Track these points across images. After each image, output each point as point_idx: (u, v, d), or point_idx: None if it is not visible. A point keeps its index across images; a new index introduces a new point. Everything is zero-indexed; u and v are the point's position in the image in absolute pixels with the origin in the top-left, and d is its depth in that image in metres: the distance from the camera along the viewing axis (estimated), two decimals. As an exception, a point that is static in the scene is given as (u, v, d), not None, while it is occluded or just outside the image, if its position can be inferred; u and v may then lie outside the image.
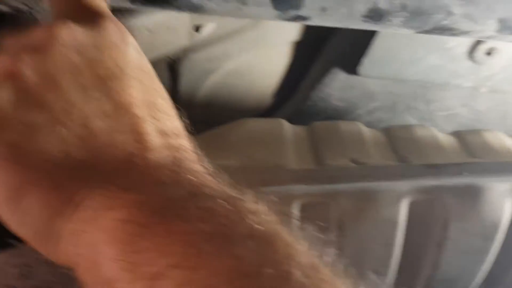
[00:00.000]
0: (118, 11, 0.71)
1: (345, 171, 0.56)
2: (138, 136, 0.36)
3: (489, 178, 0.57)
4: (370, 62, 0.99)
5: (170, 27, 0.83)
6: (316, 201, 0.55)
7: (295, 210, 0.55)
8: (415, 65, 0.98)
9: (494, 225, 0.56)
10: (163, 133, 0.38)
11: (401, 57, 0.98)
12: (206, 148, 0.65)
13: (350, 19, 0.66)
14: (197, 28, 0.88)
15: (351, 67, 1.03)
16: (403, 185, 0.55)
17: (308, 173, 0.55)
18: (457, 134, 0.79)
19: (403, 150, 0.70)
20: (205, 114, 1.20)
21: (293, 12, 0.64)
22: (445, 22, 0.66)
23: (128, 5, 0.63)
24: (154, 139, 0.37)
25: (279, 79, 1.18)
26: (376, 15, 0.65)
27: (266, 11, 0.63)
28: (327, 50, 1.07)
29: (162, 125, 0.38)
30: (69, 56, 0.37)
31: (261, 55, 1.11)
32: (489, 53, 0.96)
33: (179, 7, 0.62)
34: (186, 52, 1.03)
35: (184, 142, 0.39)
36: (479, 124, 1.15)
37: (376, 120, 1.17)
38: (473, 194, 0.56)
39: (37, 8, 0.58)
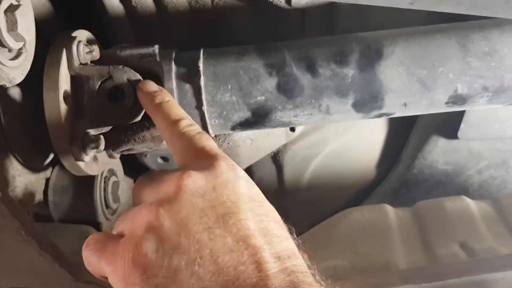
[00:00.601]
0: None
1: (452, 267, 0.57)
2: (259, 265, 0.40)
3: None
4: (468, 126, 0.99)
5: (269, 133, 0.91)
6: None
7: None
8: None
9: None
10: (279, 258, 0.42)
11: (498, 117, 0.96)
12: (315, 245, 0.69)
13: (434, 107, 0.68)
14: (293, 129, 0.95)
15: (451, 132, 1.03)
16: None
17: (415, 272, 0.57)
18: None
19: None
20: (311, 196, 1.25)
21: (376, 112, 0.68)
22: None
23: (229, 131, 0.72)
24: (272, 265, 0.41)
25: (379, 152, 1.20)
26: (458, 100, 0.67)
27: (350, 116, 0.68)
28: (424, 119, 1.08)
29: (277, 249, 0.43)
30: (194, 201, 0.44)
31: (357, 134, 1.15)
32: None
33: (273, 126, 0.70)
34: (286, 144, 1.10)
35: (297, 262, 0.43)
36: None
37: (489, 177, 1.13)
38: None
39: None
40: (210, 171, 0.46)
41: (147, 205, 0.45)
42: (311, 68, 0.66)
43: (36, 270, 0.64)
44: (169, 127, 0.53)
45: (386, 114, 0.69)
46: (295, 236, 0.47)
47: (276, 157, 1.14)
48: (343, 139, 1.15)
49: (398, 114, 0.70)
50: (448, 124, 1.01)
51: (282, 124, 0.69)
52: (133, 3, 0.78)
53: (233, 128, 0.70)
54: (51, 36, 0.65)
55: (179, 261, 0.41)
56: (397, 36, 0.67)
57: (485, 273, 0.55)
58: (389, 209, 0.78)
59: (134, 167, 0.99)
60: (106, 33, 0.81)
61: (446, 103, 0.67)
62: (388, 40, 0.66)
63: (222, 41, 0.83)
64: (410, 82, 0.65)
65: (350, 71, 0.65)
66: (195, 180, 0.45)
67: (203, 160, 0.48)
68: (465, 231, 0.69)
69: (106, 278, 0.46)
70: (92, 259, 0.47)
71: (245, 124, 0.69)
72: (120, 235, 0.46)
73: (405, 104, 0.67)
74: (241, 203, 0.45)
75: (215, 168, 0.46)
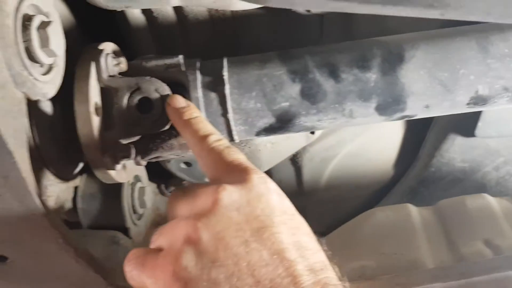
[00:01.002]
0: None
1: (478, 265, 0.58)
2: (294, 278, 0.42)
3: None
4: (486, 124, 1.00)
5: (289, 137, 0.92)
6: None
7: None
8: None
9: None
10: (312, 270, 0.43)
11: (516, 115, 0.97)
12: (341, 246, 0.70)
13: (455, 108, 0.70)
14: (313, 132, 0.96)
15: (468, 130, 1.04)
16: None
17: (443, 271, 0.58)
18: None
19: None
20: (330, 196, 1.27)
21: (398, 115, 0.69)
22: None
23: (254, 137, 0.74)
24: (306, 278, 0.42)
25: (396, 151, 1.21)
26: (479, 101, 0.68)
27: (373, 119, 0.69)
28: (441, 118, 1.09)
29: (310, 262, 0.44)
30: (230, 215, 0.45)
31: (374, 134, 1.16)
32: None
33: (296, 131, 0.71)
34: (305, 146, 1.11)
35: (329, 274, 0.45)
36: None
37: (506, 174, 1.14)
38: None
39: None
40: (243, 185, 0.48)
41: (184, 219, 0.47)
42: (334, 74, 0.67)
43: (72, 276, 0.67)
44: (199, 143, 0.55)
45: (409, 116, 0.70)
46: (325, 247, 0.48)
47: (295, 159, 1.15)
48: (361, 139, 1.16)
49: (420, 116, 0.71)
50: (465, 122, 1.02)
51: (306, 129, 0.71)
52: (154, 14, 0.80)
53: (258, 134, 0.71)
54: (74, 50, 0.67)
55: (218, 274, 0.42)
56: (418, 40, 0.68)
57: (511, 270, 0.56)
58: (412, 208, 0.79)
59: (156, 172, 1.01)
60: (128, 45, 0.82)
61: (467, 104, 0.69)
62: (409, 44, 0.68)
63: (242, 49, 0.84)
64: (432, 84, 0.67)
65: (372, 76, 0.67)
66: (230, 194, 0.47)
67: (234, 174, 0.50)
68: (489, 228, 0.70)
69: None
70: (134, 273, 0.48)
71: (270, 130, 0.71)
72: (159, 249, 0.48)
73: (427, 106, 0.68)
74: (274, 216, 0.46)
75: (247, 182, 0.48)
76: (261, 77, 0.68)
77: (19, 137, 0.50)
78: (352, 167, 1.21)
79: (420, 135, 1.17)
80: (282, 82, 0.68)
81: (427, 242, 0.69)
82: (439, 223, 0.75)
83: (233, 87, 0.69)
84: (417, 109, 0.69)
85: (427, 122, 1.14)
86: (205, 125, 0.57)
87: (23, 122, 0.52)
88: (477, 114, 0.98)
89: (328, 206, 1.29)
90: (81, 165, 0.80)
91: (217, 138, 0.54)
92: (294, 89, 0.67)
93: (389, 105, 0.68)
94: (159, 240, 0.48)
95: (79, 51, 0.67)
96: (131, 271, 0.48)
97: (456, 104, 0.68)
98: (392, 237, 0.72)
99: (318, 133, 1.02)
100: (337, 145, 1.14)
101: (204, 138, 0.54)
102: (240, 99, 0.69)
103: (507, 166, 1.12)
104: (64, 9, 0.75)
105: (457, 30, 0.69)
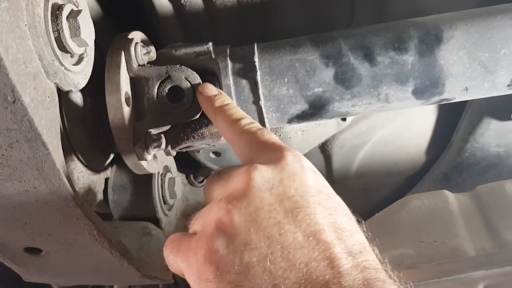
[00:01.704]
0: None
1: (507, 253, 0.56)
2: (331, 262, 0.40)
3: None
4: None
5: (320, 124, 0.90)
6: (498, 282, 0.56)
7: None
8: None
9: None
10: (350, 253, 0.41)
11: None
12: (377, 234, 0.69)
13: (495, 90, 0.67)
14: (344, 118, 0.94)
15: (504, 113, 1.00)
16: None
17: (486, 258, 0.56)
18: None
19: None
20: (362, 183, 1.24)
21: (436, 98, 0.67)
22: None
23: (286, 124, 0.72)
24: (344, 262, 0.40)
25: (428, 137, 1.18)
26: (521, 81, 0.65)
27: (410, 103, 0.67)
28: (475, 102, 1.06)
29: (348, 244, 0.42)
30: (262, 196, 0.44)
31: (406, 120, 1.13)
32: None
33: (330, 117, 0.70)
34: (334, 133, 1.09)
35: (369, 257, 0.42)
36: None
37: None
38: None
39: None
40: (276, 164, 0.46)
41: (216, 202, 0.46)
42: (369, 57, 0.65)
43: (106, 267, 0.66)
44: (231, 128, 0.54)
45: (447, 100, 0.68)
46: (365, 228, 0.46)
47: (324, 147, 1.13)
48: (392, 125, 1.13)
49: (459, 99, 0.68)
50: (501, 106, 0.98)
51: (340, 115, 0.69)
52: (181, 1, 0.78)
53: (290, 121, 0.70)
54: (102, 39, 0.66)
55: (251, 257, 0.41)
56: (456, 20, 0.65)
57: None
58: (449, 194, 0.76)
59: (185, 162, 1.01)
60: (156, 34, 0.81)
61: (509, 85, 0.66)
62: (447, 24, 0.65)
63: (272, 34, 0.83)
64: (472, 65, 0.64)
65: (409, 58, 0.64)
66: (262, 174, 0.45)
67: (268, 153, 0.48)
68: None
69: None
70: (170, 258, 0.48)
71: (302, 117, 0.69)
72: (194, 234, 0.47)
73: (466, 89, 0.66)
74: (309, 196, 0.44)
75: (281, 161, 0.46)
76: (293, 62, 0.67)
77: (52, 128, 0.49)
78: (383, 154, 1.18)
79: (453, 120, 1.14)
80: (315, 67, 0.66)
81: (467, 229, 0.67)
82: (478, 209, 0.72)
83: (264, 74, 0.67)
84: (455, 92, 0.66)
85: (460, 106, 1.11)
86: (236, 110, 0.56)
87: (56, 113, 0.51)
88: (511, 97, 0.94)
89: (359, 194, 1.27)
90: (111, 156, 0.80)
91: (249, 121, 0.53)
92: (327, 73, 0.65)
93: (427, 88, 0.65)
94: (195, 225, 0.47)
95: (108, 41, 0.66)
96: (168, 255, 0.48)
97: (496, 86, 0.65)
98: (430, 224, 0.69)
99: (349, 120, 1.00)
100: (368, 131, 1.12)
101: (236, 121, 0.53)
102: (272, 86, 0.67)
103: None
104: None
105: (497, 9, 0.66)
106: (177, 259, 0.47)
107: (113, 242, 0.61)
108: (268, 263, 0.41)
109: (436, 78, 0.65)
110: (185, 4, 0.79)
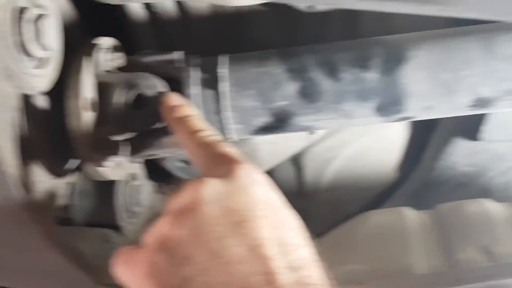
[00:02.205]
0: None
1: (472, 272, 0.57)
2: (270, 277, 0.40)
3: None
4: (490, 128, 0.97)
5: (289, 137, 0.91)
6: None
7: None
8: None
9: None
10: (293, 268, 0.41)
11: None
12: (334, 249, 0.69)
13: (457, 111, 0.68)
14: (312, 132, 0.95)
15: (473, 134, 1.02)
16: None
17: (436, 277, 0.56)
18: None
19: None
20: (331, 198, 1.25)
21: (398, 116, 0.68)
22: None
23: (250, 137, 0.72)
24: (285, 277, 0.40)
25: (399, 154, 1.19)
26: (482, 103, 0.66)
27: (372, 119, 0.68)
28: (445, 121, 1.07)
29: (292, 258, 0.42)
30: (208, 209, 0.43)
31: (377, 136, 1.14)
32: None
33: (294, 131, 0.70)
34: (309, 147, 1.10)
35: (312, 272, 0.42)
36: None
37: (509, 180, 1.12)
38: None
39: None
40: (226, 177, 0.46)
41: (163, 216, 0.46)
42: (333, 73, 0.65)
43: (60, 273, 0.66)
44: (190, 139, 0.54)
45: (408, 118, 0.69)
46: (314, 243, 0.46)
47: (296, 160, 1.14)
48: (364, 141, 1.14)
49: (420, 117, 0.69)
50: (470, 126, 1.00)
51: (303, 129, 0.69)
52: (154, 9, 0.79)
53: (255, 133, 0.70)
54: (76, 45, 0.66)
55: (191, 271, 0.41)
56: (420, 40, 0.66)
57: (507, 278, 0.54)
58: (408, 212, 0.77)
59: (156, 170, 1.00)
60: (129, 40, 0.81)
61: (469, 106, 0.67)
62: (411, 43, 0.66)
63: (244, 46, 0.83)
64: (433, 85, 0.65)
65: (372, 75, 0.65)
66: (210, 187, 0.45)
67: (221, 166, 0.48)
68: (486, 234, 0.68)
69: None
70: (118, 270, 0.48)
71: (267, 129, 0.69)
72: (141, 247, 0.47)
73: (427, 108, 0.67)
74: (257, 210, 0.44)
75: (232, 174, 0.46)
76: (259, 75, 0.67)
77: (5, 131, 0.49)
78: (354, 169, 1.19)
79: (425, 138, 1.15)
80: (280, 81, 0.66)
81: (422, 247, 0.67)
82: (436, 227, 0.73)
83: (231, 85, 0.67)
84: (417, 111, 0.67)
85: (431, 124, 1.12)
86: (197, 122, 0.56)
87: (13, 116, 0.51)
88: (481, 117, 0.96)
89: (329, 208, 1.27)
90: (77, 161, 0.79)
91: (208, 134, 0.53)
92: (292, 88, 0.66)
93: (389, 105, 0.66)
94: (144, 238, 0.47)
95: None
96: (116, 268, 0.48)
97: (457, 106, 0.67)
98: (386, 241, 0.70)
99: (319, 133, 1.01)
100: (339, 146, 1.12)
101: (194, 133, 0.53)
102: (237, 97, 0.67)
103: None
104: (65, 4, 0.74)
105: (460, 30, 0.67)
106: (125, 272, 0.47)
107: (67, 248, 0.61)
108: (208, 278, 0.40)
109: (397, 96, 0.65)
110: (158, 12, 0.79)
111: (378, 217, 0.76)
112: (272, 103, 0.66)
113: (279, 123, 0.68)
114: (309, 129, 0.70)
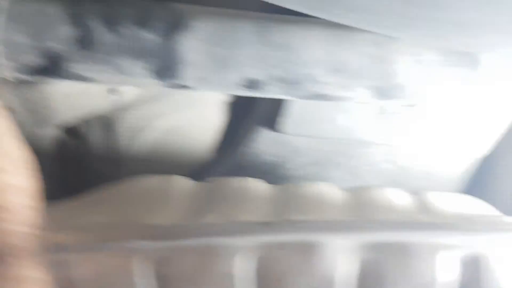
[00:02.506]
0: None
1: (183, 228, 0.61)
2: None
3: (322, 235, 0.61)
4: (288, 121, 1.05)
5: (86, 92, 0.89)
6: (166, 256, 0.60)
7: (137, 266, 0.59)
8: (329, 123, 1.04)
9: (328, 280, 0.60)
10: None
11: (315, 117, 1.03)
12: (96, 203, 0.69)
13: (229, 87, 0.72)
14: (111, 91, 0.94)
15: (272, 124, 1.09)
16: (238, 241, 0.59)
17: (155, 229, 0.60)
18: (351, 191, 0.84)
19: (284, 207, 0.74)
20: (146, 169, 1.25)
21: (172, 81, 0.70)
22: (315, 89, 0.72)
23: (25, 77, 0.70)
24: None
25: (216, 136, 1.23)
26: (251, 84, 0.71)
27: (146, 80, 0.69)
28: (254, 109, 1.13)
29: None
30: None
31: (196, 114, 1.17)
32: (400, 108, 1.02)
33: (67, 78, 0.69)
34: (120, 111, 1.09)
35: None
36: (405, 179, 1.20)
37: (306, 174, 1.21)
38: (306, 250, 0.60)
39: None
40: None
41: None
42: (112, 25, 0.66)
43: None
44: None
45: (185, 86, 0.71)
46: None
47: (107, 123, 1.12)
48: (181, 116, 1.16)
49: (197, 88, 0.72)
50: (270, 116, 1.06)
51: (77, 78, 0.69)
52: None
53: (28, 72, 0.68)
54: None
55: None
56: (205, 13, 0.69)
57: (214, 236, 0.59)
58: (180, 180, 0.81)
59: None
60: None
61: (240, 85, 0.71)
62: (195, 14, 0.68)
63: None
64: (208, 57, 0.68)
65: (151, 36, 0.66)
66: None
67: None
68: (237, 207, 0.72)
69: None
70: None
71: (39, 71, 0.67)
72: None
73: (201, 79, 0.70)
74: None
75: None
76: (39, 12, 0.65)
77: None
78: (169, 143, 1.21)
79: (239, 123, 1.20)
80: (55, 22, 0.65)
81: (174, 211, 0.70)
82: (201, 195, 0.77)
83: (8, 19, 0.64)
84: (192, 80, 0.70)
85: (247, 110, 1.17)
86: None
87: None
88: (280, 108, 1.02)
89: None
90: None
91: None
92: (67, 31, 0.65)
93: (165, 69, 0.68)
94: None
95: None
96: None
97: (229, 83, 0.71)
98: (140, 202, 0.72)
99: (128, 98, 1.01)
100: (154, 116, 1.13)
101: None
102: (12, 32, 0.65)
103: (307, 166, 1.19)
104: None
105: (243, 14, 0.71)
106: None
107: None
108: None
109: (173, 62, 0.68)
110: None
111: (148, 181, 0.78)
112: (45, 43, 0.65)
113: (49, 66, 0.66)
114: (83, 80, 0.69)
